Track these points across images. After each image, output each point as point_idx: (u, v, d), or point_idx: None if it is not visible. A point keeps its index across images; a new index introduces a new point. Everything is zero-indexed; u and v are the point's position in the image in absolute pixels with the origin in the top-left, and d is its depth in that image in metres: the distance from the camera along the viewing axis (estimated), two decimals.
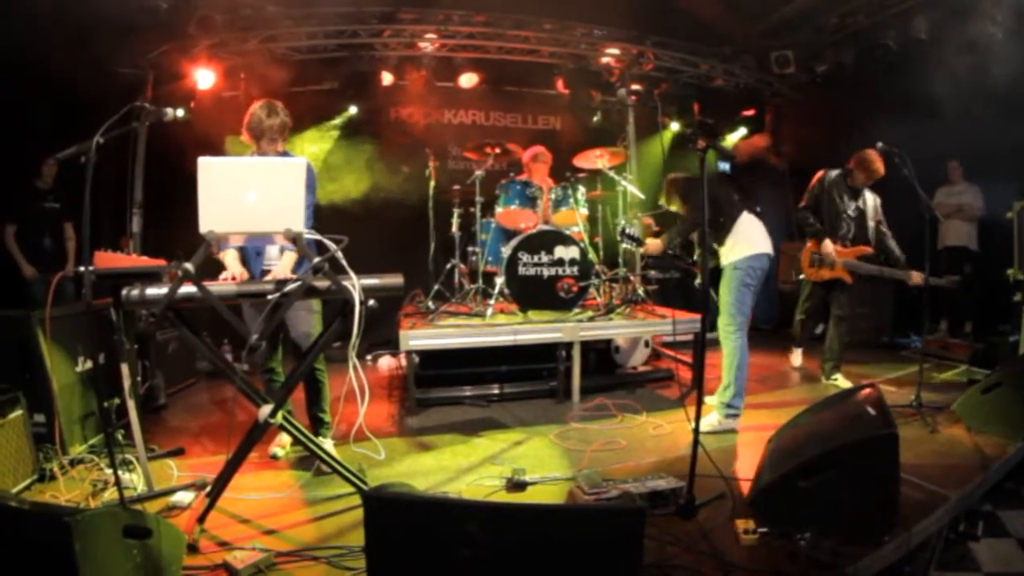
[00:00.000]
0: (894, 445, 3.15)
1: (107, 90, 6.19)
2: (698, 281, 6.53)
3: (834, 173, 6.52)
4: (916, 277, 6.23)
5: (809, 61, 9.47)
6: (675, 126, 10.44)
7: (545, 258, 6.59)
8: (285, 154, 4.51)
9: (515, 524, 2.47)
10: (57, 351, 4.45)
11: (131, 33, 7.11)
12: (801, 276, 6.68)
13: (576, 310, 6.64)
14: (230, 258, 4.27)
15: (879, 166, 6.21)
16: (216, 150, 7.75)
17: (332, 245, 3.48)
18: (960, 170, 8.66)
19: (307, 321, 4.47)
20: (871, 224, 6.52)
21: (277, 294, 3.53)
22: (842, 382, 6.60)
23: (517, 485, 4.02)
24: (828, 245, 6.39)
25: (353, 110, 9.37)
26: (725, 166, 10.80)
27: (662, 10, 8.67)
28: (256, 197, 3.31)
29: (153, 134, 8.45)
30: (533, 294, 6.56)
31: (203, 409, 6.21)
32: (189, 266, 3.35)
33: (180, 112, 7.78)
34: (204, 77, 8.35)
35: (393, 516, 2.50)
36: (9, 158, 6.25)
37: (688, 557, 3.06)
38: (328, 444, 4.59)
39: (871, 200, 6.54)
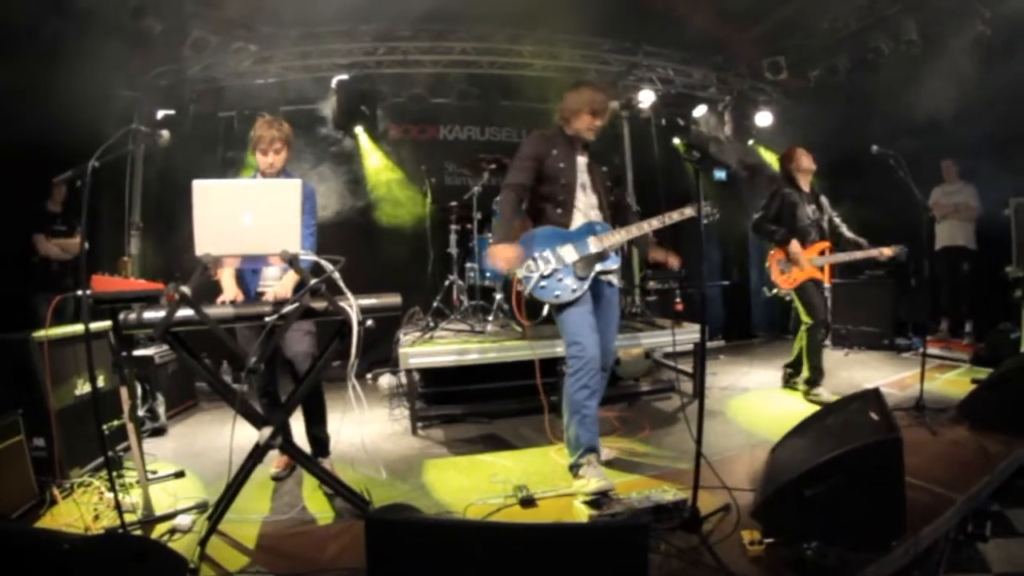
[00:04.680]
0: (898, 449, 3.13)
1: (104, 112, 6.19)
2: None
3: (785, 186, 6.50)
4: (888, 251, 6.19)
5: (802, 67, 9.50)
6: (670, 135, 10.43)
7: None
8: (285, 171, 4.54)
9: (519, 544, 2.45)
10: (56, 374, 4.42)
11: (127, 55, 7.11)
12: (775, 291, 6.57)
13: None
14: (226, 278, 4.27)
15: (806, 161, 6.43)
16: (211, 171, 7.80)
17: (329, 266, 3.47)
18: (955, 169, 8.65)
19: (304, 341, 4.46)
20: (826, 224, 6.53)
21: (275, 316, 3.53)
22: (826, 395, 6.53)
23: (523, 502, 4.00)
24: (795, 245, 6.27)
25: (348, 128, 9.35)
26: (720, 175, 10.81)
27: (654, 21, 8.67)
28: (252, 219, 3.32)
29: (151, 155, 8.48)
30: (532, 309, 6.54)
31: (203, 431, 6.19)
32: (186, 289, 3.34)
33: (166, 133, 7.85)
34: (200, 98, 8.37)
35: (395, 539, 2.49)
36: (17, 180, 6.23)
37: (694, 570, 3.04)
38: (329, 465, 4.58)
39: (821, 200, 6.57)
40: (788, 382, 6.81)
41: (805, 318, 6.36)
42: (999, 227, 7.50)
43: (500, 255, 4.18)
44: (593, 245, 4.35)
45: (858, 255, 6.38)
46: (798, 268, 6.32)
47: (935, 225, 8.62)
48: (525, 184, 4.42)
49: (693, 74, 10.29)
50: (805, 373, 6.36)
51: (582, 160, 4.51)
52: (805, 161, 6.45)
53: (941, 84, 7.53)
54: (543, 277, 4.28)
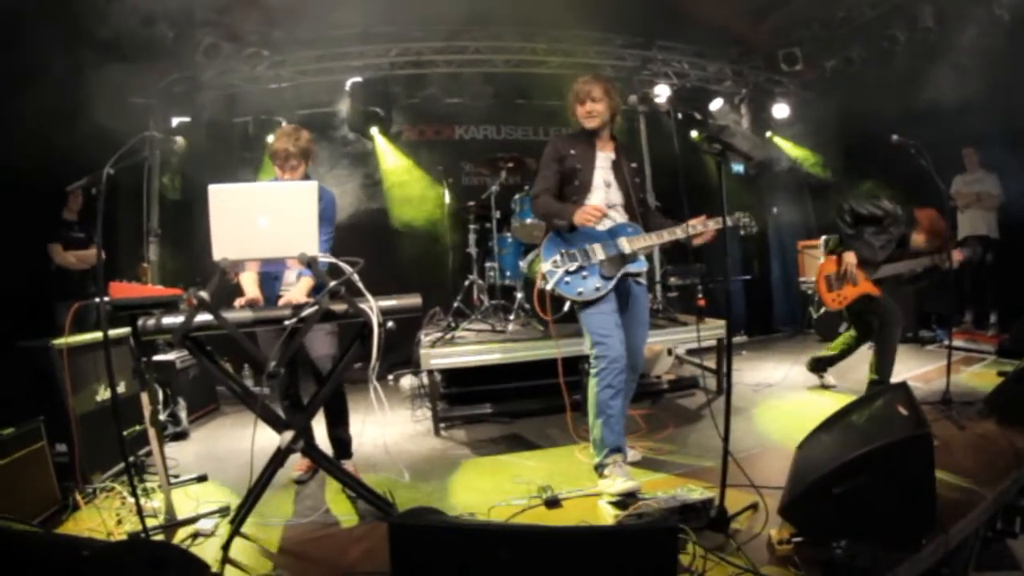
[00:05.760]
0: (928, 446, 3.07)
1: (118, 120, 6.21)
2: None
3: (902, 217, 5.98)
4: (957, 254, 5.78)
5: (817, 57, 9.42)
6: (688, 130, 10.32)
7: None
8: (306, 179, 4.52)
9: (545, 548, 2.43)
10: (77, 380, 4.44)
11: (140, 63, 7.13)
12: (822, 310, 6.21)
13: None
14: (247, 281, 4.27)
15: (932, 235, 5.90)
16: (226, 176, 7.82)
17: (348, 268, 3.46)
18: (976, 157, 8.55)
19: (326, 343, 4.45)
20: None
21: (294, 320, 3.51)
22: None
23: (547, 503, 3.97)
24: (852, 257, 5.91)
25: (364, 130, 9.34)
26: (739, 168, 10.74)
27: (668, 15, 8.62)
28: (268, 222, 3.31)
29: (168, 161, 8.53)
30: (553, 307, 6.49)
31: (225, 435, 6.23)
32: (204, 294, 3.34)
33: (180, 139, 7.88)
34: (213, 104, 8.40)
35: (419, 543, 2.47)
36: (35, 190, 6.27)
37: (722, 570, 3.00)
38: (351, 467, 4.56)
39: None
40: (815, 369, 6.69)
41: (880, 323, 5.96)
42: (1022, 215, 7.40)
43: (588, 215, 4.17)
44: (624, 246, 4.31)
45: (920, 263, 5.93)
46: (850, 284, 5.97)
47: (957, 214, 8.52)
48: (551, 188, 4.42)
49: (708, 67, 10.25)
50: (872, 375, 5.96)
51: (606, 156, 4.46)
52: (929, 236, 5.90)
53: (959, 71, 7.44)
54: (568, 273, 4.25)
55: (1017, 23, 7.33)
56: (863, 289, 5.94)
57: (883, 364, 5.89)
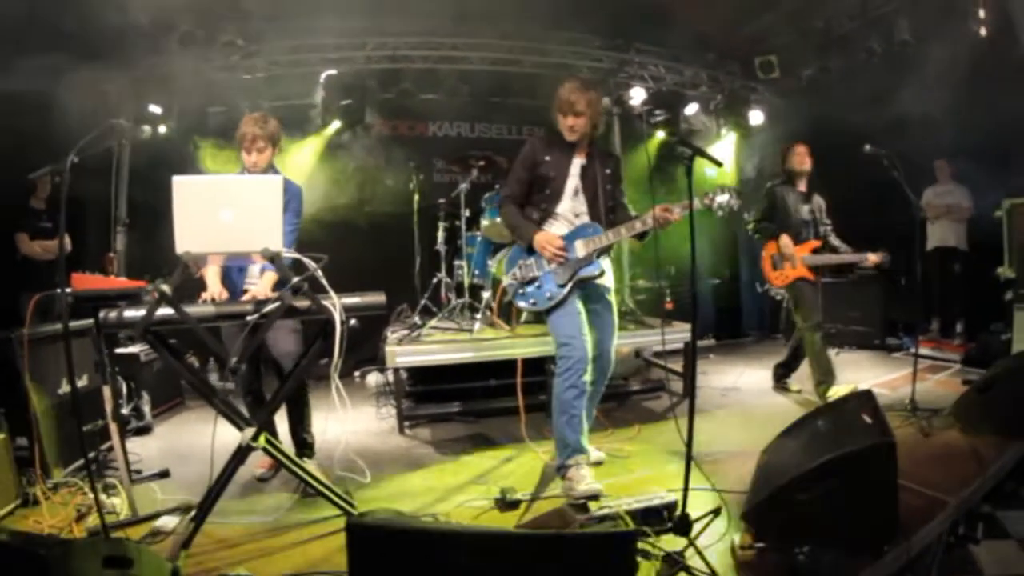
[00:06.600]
0: (892, 453, 3.08)
1: (90, 108, 6.12)
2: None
3: (779, 183, 6.43)
4: (873, 257, 6.09)
5: (794, 66, 9.47)
6: (660, 134, 10.32)
7: None
8: (272, 167, 4.52)
9: (504, 552, 2.40)
10: (39, 373, 4.35)
11: (114, 50, 7.03)
12: (767, 287, 6.45)
13: None
14: (211, 276, 4.21)
15: (796, 160, 6.36)
16: (199, 166, 7.74)
17: (312, 264, 3.42)
18: (948, 170, 8.64)
19: (288, 340, 4.42)
20: (822, 227, 6.41)
21: (256, 315, 3.47)
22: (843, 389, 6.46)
23: (509, 504, 3.95)
24: (786, 239, 6.16)
25: (336, 123, 9.28)
26: (712, 172, 10.77)
27: (646, 18, 8.64)
28: (233, 216, 3.27)
29: (138, 150, 8.40)
30: (517, 314, 6.47)
31: (189, 430, 6.14)
32: (166, 288, 3.29)
33: (163, 128, 7.77)
34: (188, 93, 8.29)
35: (377, 545, 2.44)
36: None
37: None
38: (312, 466, 4.51)
39: (818, 202, 6.45)
40: (779, 381, 6.77)
41: (799, 321, 6.23)
42: (990, 228, 7.47)
43: (544, 243, 4.20)
44: (579, 249, 4.26)
45: (845, 258, 6.34)
46: (790, 265, 6.20)
47: (927, 225, 8.61)
48: (517, 195, 4.42)
49: (684, 72, 10.25)
50: (816, 376, 6.10)
51: (578, 162, 4.39)
52: (795, 161, 6.33)
53: (934, 84, 7.49)
54: (523, 284, 4.30)
55: (993, 39, 7.39)
56: (800, 272, 6.19)
57: (819, 367, 6.09)
